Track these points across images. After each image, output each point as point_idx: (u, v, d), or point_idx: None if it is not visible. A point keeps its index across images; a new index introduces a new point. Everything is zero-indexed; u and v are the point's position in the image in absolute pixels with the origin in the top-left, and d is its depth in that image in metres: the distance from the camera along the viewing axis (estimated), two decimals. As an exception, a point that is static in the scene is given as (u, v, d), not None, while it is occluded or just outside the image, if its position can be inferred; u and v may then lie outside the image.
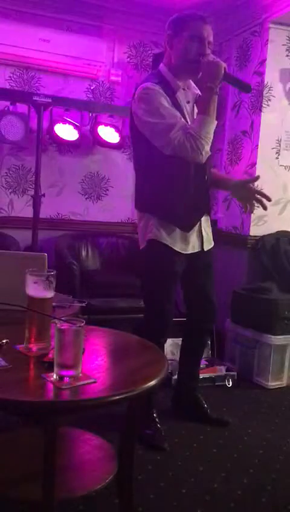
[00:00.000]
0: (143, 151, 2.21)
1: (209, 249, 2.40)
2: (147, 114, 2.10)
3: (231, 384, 3.09)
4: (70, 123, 3.57)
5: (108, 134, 3.67)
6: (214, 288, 2.50)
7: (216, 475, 2.10)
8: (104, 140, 3.67)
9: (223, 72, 2.05)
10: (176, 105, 2.15)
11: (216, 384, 3.07)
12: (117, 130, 3.68)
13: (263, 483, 2.07)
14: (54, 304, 1.59)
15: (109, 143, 3.69)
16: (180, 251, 2.26)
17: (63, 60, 3.59)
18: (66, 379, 1.29)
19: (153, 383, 1.35)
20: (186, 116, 2.20)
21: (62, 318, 1.36)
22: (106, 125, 3.66)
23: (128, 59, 3.89)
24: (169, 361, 2.75)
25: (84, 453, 1.69)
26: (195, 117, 2.18)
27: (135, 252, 3.79)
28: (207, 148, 2.10)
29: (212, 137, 2.11)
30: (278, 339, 3.13)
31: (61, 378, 1.29)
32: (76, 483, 1.47)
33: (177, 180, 2.21)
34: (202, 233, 2.34)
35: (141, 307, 3.25)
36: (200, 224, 2.32)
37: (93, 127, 3.67)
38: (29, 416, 1.97)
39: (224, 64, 2.08)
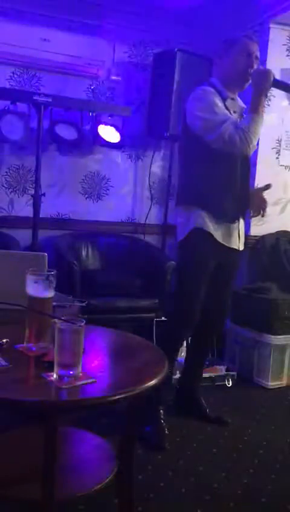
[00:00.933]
0: (193, 150, 2.35)
1: (241, 251, 2.52)
2: (201, 110, 2.27)
3: (230, 384, 3.09)
4: (70, 122, 3.56)
5: (108, 133, 3.67)
6: (229, 295, 2.61)
7: (216, 475, 2.10)
8: (105, 140, 3.67)
9: (272, 78, 2.25)
10: (226, 109, 2.32)
11: (216, 384, 3.07)
12: (117, 129, 3.68)
13: (263, 483, 2.07)
14: (54, 303, 1.58)
15: (110, 142, 3.69)
16: (222, 242, 2.37)
17: (63, 60, 3.59)
18: (66, 379, 1.29)
19: (153, 382, 1.35)
20: None
21: (62, 318, 1.36)
22: (106, 124, 3.65)
23: (129, 58, 3.89)
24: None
25: (84, 453, 1.68)
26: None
27: (135, 251, 3.80)
28: (254, 142, 2.26)
29: (259, 134, 2.28)
30: (278, 339, 3.13)
31: (61, 377, 1.29)
32: (76, 483, 1.47)
33: (225, 177, 2.34)
34: (239, 232, 2.45)
35: (141, 307, 3.28)
36: (239, 223, 2.44)
37: (93, 126, 3.66)
38: (29, 415, 1.97)
39: (273, 72, 2.26)
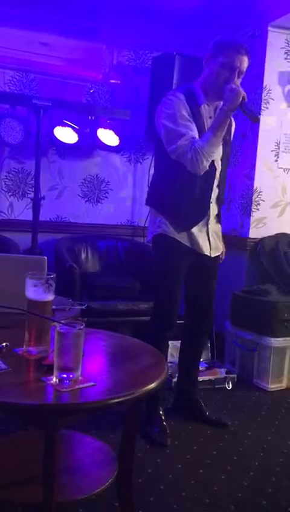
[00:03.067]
0: (159, 154, 2.39)
1: (216, 256, 2.51)
2: (166, 118, 2.25)
3: (230, 387, 3.09)
4: (69, 126, 3.57)
5: (107, 137, 3.68)
6: (214, 295, 2.60)
7: (216, 478, 2.10)
8: (104, 143, 3.68)
9: (240, 100, 2.16)
10: (197, 117, 2.28)
11: (216, 386, 3.07)
12: (116, 132, 3.69)
13: (263, 486, 2.07)
14: (53, 306, 1.59)
15: (109, 146, 3.70)
16: (186, 244, 2.37)
17: (62, 63, 3.60)
18: (66, 382, 1.29)
19: (152, 385, 1.35)
20: (206, 130, 2.29)
21: (62, 321, 1.36)
22: (106, 128, 3.66)
23: (128, 62, 3.90)
24: (169, 364, 2.77)
25: (83, 456, 1.68)
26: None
27: (134, 254, 3.81)
28: (205, 164, 2.23)
29: (213, 156, 2.25)
30: (277, 341, 3.13)
31: (61, 381, 1.29)
32: (76, 486, 1.47)
33: (184, 185, 2.32)
34: (209, 238, 2.43)
35: (140, 310, 3.28)
36: (208, 229, 2.42)
37: (92, 130, 3.67)
38: (29, 419, 1.97)
39: (243, 93, 2.17)
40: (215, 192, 2.40)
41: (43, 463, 1.31)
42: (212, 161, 2.29)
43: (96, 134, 3.66)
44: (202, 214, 2.38)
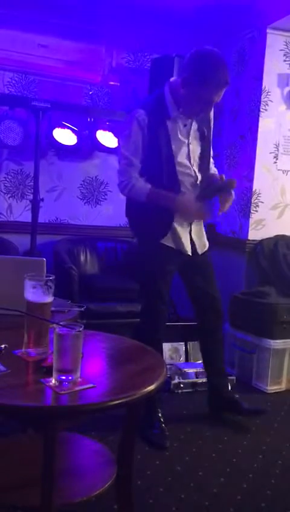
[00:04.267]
0: None
1: (205, 252, 2.56)
2: (122, 134, 2.38)
3: (230, 389, 3.08)
4: (68, 128, 3.58)
5: (107, 138, 3.68)
6: (217, 286, 2.62)
7: (215, 480, 2.10)
8: (103, 145, 3.68)
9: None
10: (161, 131, 2.31)
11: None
12: (116, 134, 3.69)
13: (262, 488, 2.06)
14: (52, 308, 1.58)
15: (108, 148, 3.70)
16: (170, 245, 2.41)
17: (61, 65, 3.61)
18: (65, 384, 1.29)
19: (151, 387, 1.35)
20: (172, 141, 2.33)
21: (61, 323, 1.36)
22: (105, 129, 3.67)
23: (127, 64, 3.91)
24: (168, 366, 2.76)
25: (82, 458, 1.68)
26: (197, 141, 2.41)
27: (133, 256, 3.80)
28: (122, 193, 2.40)
29: (133, 199, 2.38)
30: (276, 343, 3.13)
31: (60, 383, 1.29)
32: (75, 489, 1.46)
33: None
34: (192, 239, 2.47)
35: (138, 311, 3.27)
36: (191, 229, 2.46)
37: (91, 131, 3.68)
38: (28, 421, 1.96)
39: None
40: (194, 192, 2.41)
41: (42, 465, 1.31)
42: (187, 158, 2.37)
43: (95, 136, 3.66)
44: (166, 224, 2.40)
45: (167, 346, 3.27)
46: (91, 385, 1.31)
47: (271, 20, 3.41)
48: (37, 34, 3.51)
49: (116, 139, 3.70)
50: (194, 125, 2.40)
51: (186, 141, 2.38)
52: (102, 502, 1.72)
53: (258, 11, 3.45)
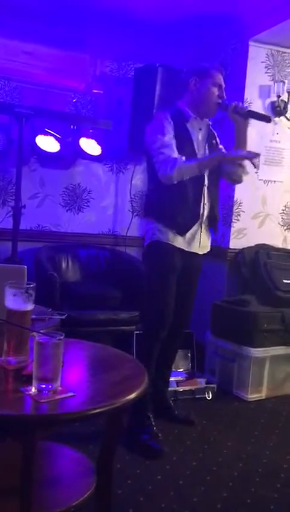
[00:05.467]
0: (150, 165, 2.54)
1: (203, 254, 2.64)
2: (151, 131, 2.49)
3: (210, 397, 3.10)
4: (51, 135, 3.57)
5: (90, 146, 3.68)
6: (194, 293, 2.72)
7: (196, 489, 2.10)
8: (86, 153, 3.68)
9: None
10: (184, 131, 2.51)
11: (196, 396, 3.07)
12: (99, 142, 3.70)
13: (242, 497, 2.07)
14: (33, 316, 1.57)
15: (91, 155, 3.70)
16: (180, 247, 2.52)
17: (45, 72, 3.61)
18: (45, 392, 1.28)
19: (132, 396, 1.35)
20: (194, 142, 2.54)
21: (41, 331, 1.35)
22: (88, 137, 3.67)
23: (111, 72, 3.93)
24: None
25: (62, 468, 1.67)
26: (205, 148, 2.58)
27: (116, 263, 3.80)
28: (173, 179, 2.41)
29: (183, 178, 2.42)
30: (257, 351, 3.15)
31: (39, 391, 1.28)
32: (54, 499, 1.45)
33: (177, 192, 2.47)
34: (200, 240, 2.58)
35: (121, 319, 3.28)
36: (201, 232, 2.56)
37: (74, 139, 3.67)
38: (7, 430, 1.94)
39: (247, 108, 2.53)
40: (205, 193, 2.54)
41: (20, 475, 1.29)
42: None
43: (78, 144, 3.66)
44: (196, 216, 2.53)
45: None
46: (71, 394, 1.30)
47: (253, 32, 3.47)
48: (21, 41, 3.50)
49: (99, 147, 3.70)
50: (206, 135, 2.59)
51: (202, 143, 2.57)
52: (81, 512, 1.71)
53: (240, 24, 3.51)
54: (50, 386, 1.29)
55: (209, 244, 2.68)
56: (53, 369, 1.29)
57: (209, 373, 3.41)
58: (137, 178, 4.04)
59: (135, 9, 3.32)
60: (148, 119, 3.55)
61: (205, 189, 2.54)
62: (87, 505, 1.51)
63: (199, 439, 2.55)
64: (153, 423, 2.50)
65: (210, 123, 2.64)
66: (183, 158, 2.42)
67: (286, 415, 2.98)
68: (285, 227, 3.86)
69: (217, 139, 2.69)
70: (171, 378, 3.07)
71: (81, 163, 3.87)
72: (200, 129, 2.57)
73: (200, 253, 2.61)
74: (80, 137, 3.66)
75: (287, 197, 3.84)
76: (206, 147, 2.59)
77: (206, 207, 2.55)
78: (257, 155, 2.46)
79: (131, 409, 2.49)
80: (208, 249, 2.68)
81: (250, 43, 3.53)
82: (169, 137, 2.45)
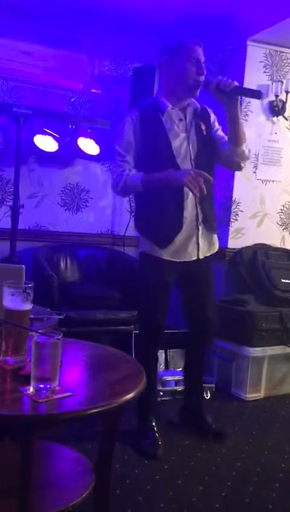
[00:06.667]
0: None
1: (207, 257, 2.47)
2: (115, 137, 2.42)
3: (209, 396, 3.10)
4: (50, 134, 3.57)
5: (88, 146, 3.68)
6: (213, 298, 2.58)
7: (194, 488, 2.10)
8: (84, 152, 3.68)
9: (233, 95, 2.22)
10: (157, 127, 2.32)
11: (194, 396, 3.06)
12: (97, 142, 3.70)
13: (241, 496, 2.07)
14: (31, 316, 1.57)
15: (89, 155, 3.70)
16: (169, 258, 2.37)
17: (43, 72, 3.60)
18: (43, 392, 1.28)
19: (130, 395, 1.35)
20: (170, 136, 2.32)
21: (39, 331, 1.35)
22: (86, 137, 3.67)
23: (109, 72, 3.92)
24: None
25: (60, 467, 1.66)
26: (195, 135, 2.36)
27: (114, 263, 3.80)
28: (119, 194, 2.44)
29: (129, 194, 2.47)
30: (255, 351, 3.15)
31: (38, 391, 1.28)
32: (52, 499, 1.45)
33: (154, 203, 2.35)
34: (199, 244, 2.41)
35: (119, 319, 3.27)
36: (197, 236, 2.40)
37: (73, 138, 3.67)
38: (5, 430, 1.93)
39: (235, 82, 2.21)
40: (191, 197, 2.33)
41: (18, 476, 1.29)
42: (186, 152, 2.33)
43: (76, 143, 3.66)
44: (178, 224, 2.36)
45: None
46: (69, 393, 1.30)
47: (251, 32, 3.47)
48: (20, 40, 3.50)
49: (97, 147, 3.70)
50: (192, 121, 2.38)
51: (184, 135, 2.35)
52: (80, 512, 1.71)
53: (238, 24, 3.51)
54: (48, 386, 1.29)
55: (215, 244, 2.52)
56: (51, 369, 1.29)
57: (208, 372, 3.41)
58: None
59: (133, 9, 3.32)
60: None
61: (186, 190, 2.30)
62: (86, 505, 1.51)
63: (197, 439, 2.55)
64: (155, 428, 2.46)
65: (198, 107, 2.41)
66: (133, 171, 2.30)
67: (284, 414, 2.98)
68: (283, 227, 3.86)
69: (215, 122, 2.47)
70: (170, 378, 3.09)
71: (79, 163, 3.87)
72: (181, 119, 2.34)
73: (200, 257, 2.44)
74: (78, 137, 3.65)
75: (285, 196, 3.84)
76: (195, 136, 2.37)
77: (199, 207, 2.37)
78: (204, 180, 2.13)
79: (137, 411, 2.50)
80: (214, 250, 2.51)
81: (248, 42, 3.53)
82: (124, 146, 2.33)
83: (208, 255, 2.48)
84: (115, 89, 3.92)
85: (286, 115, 3.72)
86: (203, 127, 2.39)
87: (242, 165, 2.46)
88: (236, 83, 2.21)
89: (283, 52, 3.68)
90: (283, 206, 3.85)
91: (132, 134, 2.33)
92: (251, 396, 3.16)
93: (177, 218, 2.35)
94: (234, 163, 2.45)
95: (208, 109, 2.49)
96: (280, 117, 3.71)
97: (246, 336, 3.17)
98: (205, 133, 2.40)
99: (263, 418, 2.90)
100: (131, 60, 3.92)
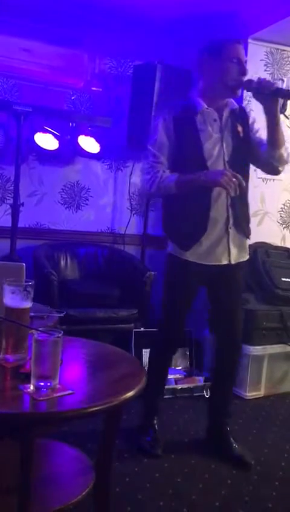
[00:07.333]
0: None
1: (239, 264, 2.36)
2: (148, 137, 2.34)
3: (209, 395, 3.09)
4: (50, 132, 3.56)
5: (88, 144, 3.67)
6: (239, 307, 2.48)
7: (194, 487, 2.10)
8: (85, 150, 3.68)
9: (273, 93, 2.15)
10: (190, 128, 2.24)
11: (194, 394, 3.07)
12: (97, 140, 3.69)
13: (240, 495, 2.07)
14: (31, 314, 1.57)
15: (89, 153, 3.70)
16: (196, 261, 2.28)
17: (44, 70, 3.59)
18: (44, 390, 1.28)
19: (131, 393, 1.35)
20: (202, 138, 2.24)
21: (40, 329, 1.35)
22: (86, 135, 3.66)
23: (109, 70, 3.92)
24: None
25: (60, 465, 1.67)
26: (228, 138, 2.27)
27: (114, 262, 3.80)
28: (151, 196, 2.45)
29: (162, 195, 2.32)
30: (256, 349, 3.15)
31: (38, 389, 1.28)
32: (52, 497, 1.45)
33: (176, 202, 2.29)
34: (229, 248, 2.30)
35: (119, 317, 3.27)
36: (228, 237, 2.29)
37: (73, 136, 3.67)
38: (6, 428, 1.93)
39: (275, 84, 2.16)
40: (224, 197, 2.25)
41: (19, 473, 1.29)
42: (219, 153, 2.25)
43: (77, 141, 3.65)
44: (201, 227, 2.26)
45: (146, 352, 3.26)
46: (70, 391, 1.30)
47: (252, 30, 3.47)
48: (20, 38, 3.49)
49: (98, 145, 3.69)
50: (228, 122, 2.29)
51: (218, 136, 2.26)
52: (79, 510, 1.71)
53: (239, 22, 3.50)
54: (48, 384, 1.29)
55: (245, 251, 2.39)
56: (51, 367, 1.29)
57: (208, 371, 3.41)
58: (136, 176, 4.03)
59: (134, 7, 3.31)
60: (147, 117, 3.58)
61: (218, 190, 2.21)
62: (86, 503, 1.51)
63: (197, 437, 2.55)
64: (156, 427, 2.45)
65: (237, 107, 2.32)
66: (167, 172, 2.23)
67: (284, 413, 2.98)
68: (284, 226, 3.86)
69: (253, 124, 2.39)
70: (170, 376, 3.08)
71: (79, 161, 3.86)
72: (215, 120, 2.26)
73: (233, 262, 2.31)
74: (79, 135, 3.65)
75: (285, 195, 3.83)
76: (230, 138, 2.28)
77: (230, 210, 2.26)
78: (237, 182, 2.07)
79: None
80: (244, 258, 2.39)
81: (249, 41, 3.52)
82: (158, 147, 2.26)
83: (240, 261, 2.36)
84: (116, 87, 3.91)
85: (286, 113, 3.70)
86: (239, 129, 2.31)
87: (280, 169, 2.36)
88: (277, 84, 2.18)
89: (284, 50, 3.67)
90: (284, 204, 3.85)
91: (164, 135, 2.26)
92: (251, 394, 3.16)
93: (202, 220, 2.26)
94: (272, 167, 2.37)
95: (247, 110, 2.43)
96: (281, 115, 3.70)
97: (247, 335, 3.14)
98: (241, 134, 2.31)
99: (263, 417, 2.90)
100: (132, 58, 3.91)
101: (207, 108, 2.25)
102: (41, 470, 1.56)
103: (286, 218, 3.86)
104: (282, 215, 3.84)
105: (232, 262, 2.31)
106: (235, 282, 2.39)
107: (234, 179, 2.07)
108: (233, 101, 2.34)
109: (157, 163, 2.26)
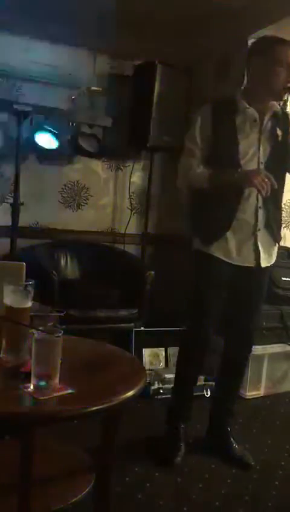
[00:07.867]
0: None
1: (266, 267, 2.32)
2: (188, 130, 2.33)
3: (209, 394, 3.10)
4: (50, 132, 3.56)
5: (88, 143, 3.67)
6: (260, 312, 2.47)
7: (194, 486, 2.10)
8: (85, 150, 3.67)
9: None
10: (228, 126, 2.21)
11: (194, 394, 3.06)
12: (98, 139, 3.69)
13: (240, 494, 2.07)
14: (32, 313, 1.57)
15: (90, 152, 3.69)
16: (223, 258, 2.24)
17: (44, 69, 3.59)
18: (44, 390, 1.28)
19: (130, 393, 1.35)
20: (240, 138, 2.20)
21: (40, 328, 1.35)
22: (87, 134, 3.66)
23: (110, 69, 3.91)
24: (148, 372, 2.75)
25: (60, 465, 1.67)
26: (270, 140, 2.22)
27: (114, 261, 3.79)
28: (183, 187, 2.34)
29: (193, 188, 2.30)
30: (256, 349, 3.13)
31: (38, 388, 1.28)
32: (52, 496, 1.45)
33: (207, 200, 2.27)
34: (258, 248, 2.26)
35: (120, 317, 3.27)
36: (256, 239, 2.25)
37: (73, 136, 3.67)
38: (6, 427, 1.94)
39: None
40: (254, 198, 2.22)
41: (19, 473, 1.29)
42: (255, 155, 2.21)
43: (77, 141, 3.65)
44: (225, 224, 2.22)
45: (146, 352, 3.27)
46: (70, 391, 1.30)
47: (253, 30, 3.46)
48: (20, 37, 3.48)
49: (98, 144, 3.69)
50: (268, 124, 2.23)
51: (256, 136, 2.21)
52: (79, 509, 1.71)
53: (240, 22, 3.49)
54: (49, 384, 1.28)
55: (273, 255, 2.34)
56: (52, 366, 1.29)
57: (208, 371, 3.40)
58: (136, 175, 4.03)
59: (135, 6, 3.31)
60: (147, 117, 3.57)
61: (249, 190, 2.17)
62: (86, 502, 1.51)
63: (197, 437, 2.55)
64: (181, 435, 2.37)
65: (279, 111, 2.24)
66: (201, 167, 2.21)
67: (284, 412, 2.98)
68: (284, 226, 3.85)
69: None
70: (170, 375, 3.08)
71: (79, 161, 3.86)
72: (255, 120, 2.19)
73: (262, 265, 2.27)
74: (79, 134, 3.64)
75: (285, 195, 3.82)
76: (268, 140, 2.23)
77: (260, 212, 2.22)
78: (269, 183, 2.04)
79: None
80: (271, 262, 2.33)
81: (250, 40, 3.52)
82: (194, 141, 2.24)
83: (268, 265, 2.32)
84: (116, 86, 3.91)
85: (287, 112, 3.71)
86: (279, 133, 2.24)
87: None
88: None
89: (284, 49, 3.66)
90: (284, 204, 3.83)
91: (202, 129, 2.23)
92: (251, 394, 3.16)
93: (227, 217, 2.22)
94: None
95: None
96: None
97: (247, 334, 3.16)
98: (280, 138, 2.24)
99: (262, 416, 2.90)
100: (132, 57, 3.90)
101: (248, 108, 2.20)
102: (42, 469, 1.56)
103: (286, 218, 3.85)
104: (282, 214, 3.83)
105: (262, 265, 2.27)
106: (261, 286, 2.37)
107: (266, 180, 2.04)
108: (276, 104, 2.27)
109: (191, 157, 2.25)
